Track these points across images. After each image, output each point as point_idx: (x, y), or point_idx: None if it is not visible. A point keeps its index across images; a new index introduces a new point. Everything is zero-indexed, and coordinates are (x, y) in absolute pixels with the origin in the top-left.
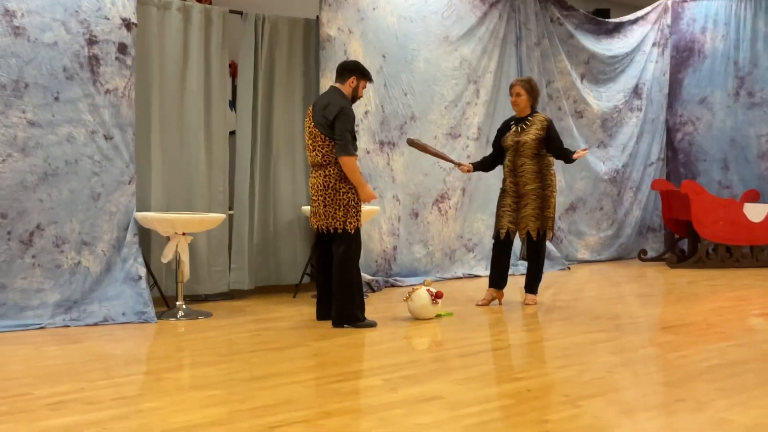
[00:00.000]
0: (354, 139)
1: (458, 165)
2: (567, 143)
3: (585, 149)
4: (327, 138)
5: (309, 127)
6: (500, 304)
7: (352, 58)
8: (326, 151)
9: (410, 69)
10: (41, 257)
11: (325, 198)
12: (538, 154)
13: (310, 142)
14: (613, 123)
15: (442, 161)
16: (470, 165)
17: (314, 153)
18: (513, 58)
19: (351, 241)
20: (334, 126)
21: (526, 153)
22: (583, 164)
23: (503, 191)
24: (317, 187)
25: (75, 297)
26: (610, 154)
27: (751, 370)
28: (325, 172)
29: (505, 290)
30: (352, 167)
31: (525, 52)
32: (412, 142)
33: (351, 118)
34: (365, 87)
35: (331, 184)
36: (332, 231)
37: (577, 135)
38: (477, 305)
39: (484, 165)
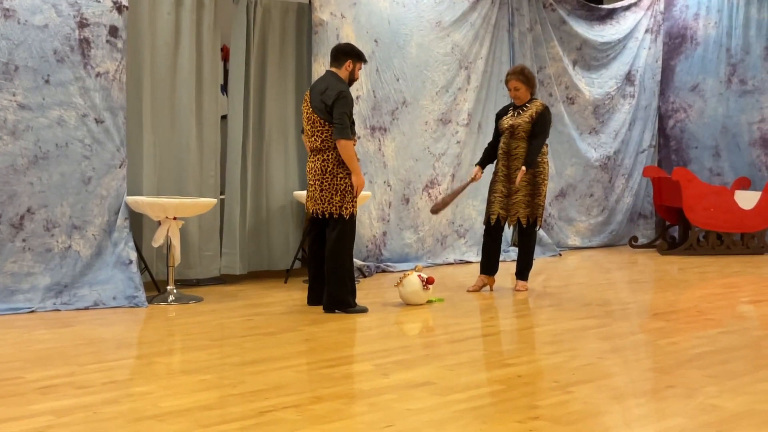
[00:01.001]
0: (352, 123)
1: (472, 180)
2: (558, 129)
3: (522, 175)
4: (326, 123)
5: (307, 113)
6: (491, 290)
7: (344, 42)
8: (325, 137)
9: (402, 54)
10: (31, 241)
11: (322, 182)
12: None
13: (309, 127)
14: (605, 110)
15: (442, 157)
16: (477, 168)
17: (313, 138)
18: (505, 44)
19: (345, 226)
20: (333, 110)
21: (520, 136)
22: (574, 150)
23: (495, 175)
24: (315, 171)
25: (65, 281)
26: (601, 141)
27: (741, 357)
28: (323, 156)
29: (496, 276)
30: (350, 151)
31: (517, 38)
32: (437, 210)
33: (349, 102)
34: (361, 69)
35: (328, 169)
36: (327, 216)
37: (569, 121)
38: (468, 291)
39: (488, 156)
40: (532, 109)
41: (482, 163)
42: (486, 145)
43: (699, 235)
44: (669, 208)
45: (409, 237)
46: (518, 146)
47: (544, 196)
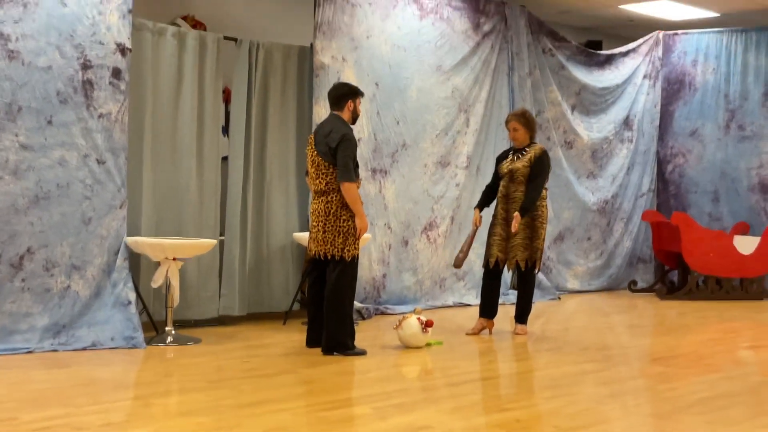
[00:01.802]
0: (356, 166)
1: (476, 227)
2: (556, 173)
3: (518, 222)
4: (330, 165)
5: (311, 155)
6: (490, 333)
7: (338, 84)
8: (330, 179)
9: (403, 98)
10: (31, 281)
11: (325, 224)
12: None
13: (314, 170)
14: (603, 154)
15: (441, 199)
16: (476, 212)
17: (318, 181)
18: (505, 87)
19: (346, 268)
20: (337, 153)
21: (519, 180)
22: (571, 194)
23: (494, 218)
24: (318, 212)
25: (64, 321)
26: (599, 185)
27: (741, 403)
28: (327, 198)
29: (495, 319)
30: (354, 194)
31: (517, 82)
32: (459, 264)
33: (353, 145)
34: (360, 103)
35: (332, 211)
36: (329, 257)
37: (566, 165)
38: (467, 334)
39: (486, 199)
40: (530, 153)
41: (480, 206)
42: (484, 188)
43: (698, 280)
44: (668, 253)
45: (408, 279)
46: (517, 190)
47: (543, 239)
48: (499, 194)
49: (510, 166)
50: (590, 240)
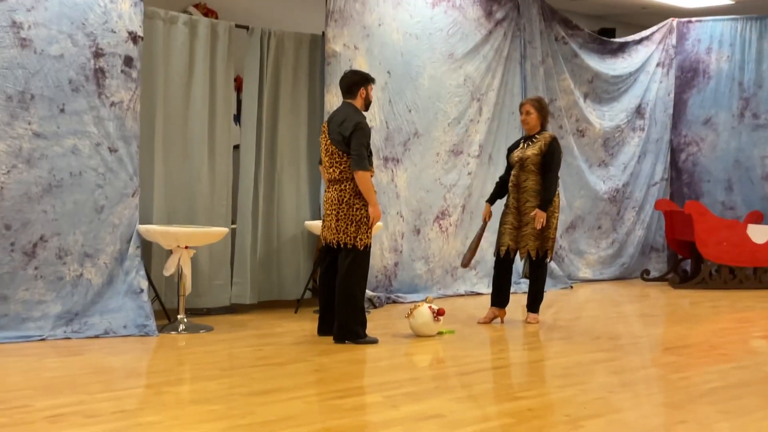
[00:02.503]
0: (370, 154)
1: (486, 222)
2: (567, 162)
3: (541, 218)
4: (344, 154)
5: (325, 144)
6: (502, 322)
7: (349, 72)
8: (343, 168)
9: (415, 86)
10: (44, 269)
11: (338, 212)
12: (542, 172)
13: (327, 158)
14: (615, 142)
15: (453, 188)
16: (487, 206)
17: (331, 169)
18: (517, 76)
19: (358, 256)
20: (350, 141)
21: (529, 168)
22: (583, 183)
23: (506, 207)
24: (331, 201)
25: (76, 309)
26: (610, 173)
27: (753, 393)
28: (340, 186)
29: (507, 308)
30: (367, 182)
31: (529, 71)
32: (468, 263)
33: (367, 133)
34: (373, 89)
35: (345, 199)
36: (341, 245)
37: (578, 154)
38: (478, 323)
39: (498, 192)
40: (541, 141)
41: (491, 199)
42: (497, 179)
43: (711, 269)
44: (681, 242)
45: (419, 268)
46: (528, 179)
47: (555, 228)
48: (510, 183)
49: (520, 154)
50: (600, 228)
